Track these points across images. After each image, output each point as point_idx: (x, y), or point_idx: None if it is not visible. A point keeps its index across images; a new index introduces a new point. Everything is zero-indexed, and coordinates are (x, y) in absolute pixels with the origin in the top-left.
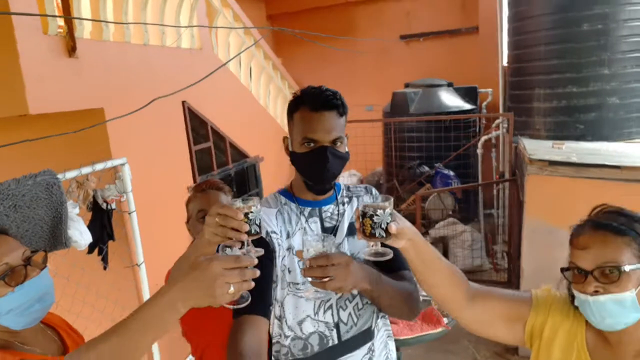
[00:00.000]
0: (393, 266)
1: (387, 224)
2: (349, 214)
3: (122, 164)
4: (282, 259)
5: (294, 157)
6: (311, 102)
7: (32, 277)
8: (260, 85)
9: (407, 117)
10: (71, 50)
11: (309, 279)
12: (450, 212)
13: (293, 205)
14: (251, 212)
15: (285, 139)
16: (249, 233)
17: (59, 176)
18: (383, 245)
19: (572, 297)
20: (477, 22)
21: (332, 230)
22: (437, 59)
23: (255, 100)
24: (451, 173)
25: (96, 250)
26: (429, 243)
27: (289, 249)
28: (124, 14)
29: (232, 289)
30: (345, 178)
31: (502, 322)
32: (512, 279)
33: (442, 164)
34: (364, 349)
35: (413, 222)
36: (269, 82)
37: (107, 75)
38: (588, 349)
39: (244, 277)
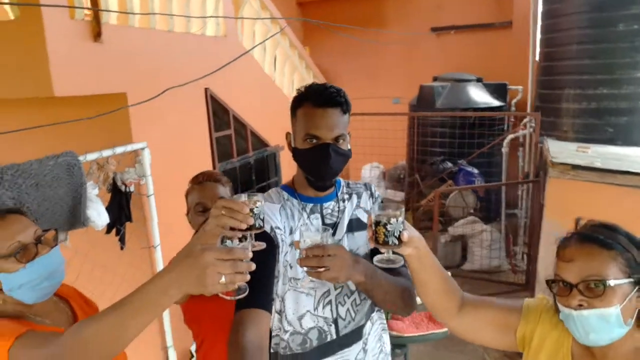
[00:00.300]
0: None
1: (400, 232)
2: (349, 210)
3: (142, 148)
4: (285, 255)
5: (296, 153)
6: (315, 99)
7: (42, 255)
8: (285, 75)
9: (432, 111)
10: (97, 35)
11: (305, 269)
12: (472, 211)
13: (295, 201)
14: (256, 207)
15: (288, 134)
16: (252, 227)
17: (80, 158)
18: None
19: (558, 309)
20: (511, 16)
21: (333, 227)
22: (468, 53)
23: (279, 89)
24: (475, 171)
25: (114, 231)
26: (432, 253)
27: (292, 244)
28: (150, 1)
29: (223, 280)
30: (367, 171)
31: (493, 330)
32: (530, 281)
33: (465, 160)
34: (360, 343)
35: (431, 219)
36: (293, 71)
37: (131, 61)
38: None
39: (236, 269)
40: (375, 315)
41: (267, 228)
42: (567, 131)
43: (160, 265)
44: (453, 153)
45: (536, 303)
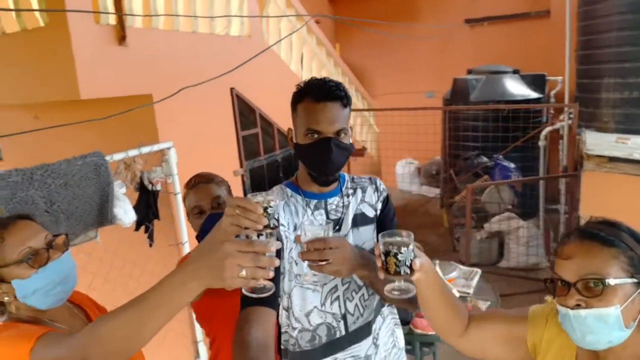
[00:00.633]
0: None
1: (411, 260)
2: (354, 205)
3: (168, 148)
4: (290, 252)
5: (298, 149)
6: (314, 93)
7: (54, 260)
8: (312, 72)
9: (467, 104)
10: (121, 38)
11: (307, 262)
12: (509, 207)
13: (299, 198)
14: (270, 206)
15: (289, 130)
16: (267, 227)
17: (107, 158)
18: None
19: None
20: (549, 4)
21: (338, 223)
22: (503, 44)
23: None
24: (511, 165)
25: (143, 228)
26: (440, 276)
27: (296, 241)
28: (174, 3)
29: (244, 273)
30: (401, 167)
31: (502, 345)
32: None
33: (500, 154)
34: (370, 339)
35: (464, 215)
36: (321, 68)
37: (156, 63)
38: None
39: (257, 262)
40: (386, 310)
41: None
42: (607, 122)
43: None
44: (489, 147)
45: (542, 308)
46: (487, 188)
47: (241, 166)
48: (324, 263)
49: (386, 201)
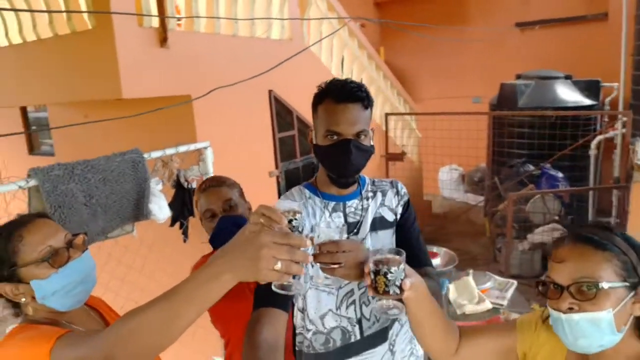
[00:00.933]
0: (416, 262)
1: (402, 280)
2: (373, 208)
3: (205, 147)
4: None
5: (317, 150)
6: (335, 94)
7: (74, 259)
8: (353, 75)
9: (513, 110)
10: (163, 41)
11: (319, 265)
12: (555, 217)
13: (317, 200)
14: (295, 218)
15: (309, 131)
16: None
17: (145, 155)
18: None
19: (548, 317)
20: (607, 7)
21: (356, 226)
22: (555, 48)
23: None
24: (559, 174)
25: (178, 224)
26: (430, 295)
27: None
28: (215, 6)
29: (278, 266)
30: (445, 174)
31: (493, 357)
32: None
33: (547, 163)
34: (386, 345)
35: (506, 225)
36: (361, 72)
37: (196, 64)
38: None
39: (293, 256)
40: (405, 317)
41: None
42: None
43: None
44: (536, 155)
45: (529, 316)
46: (532, 197)
47: (276, 167)
48: (336, 266)
49: (407, 205)
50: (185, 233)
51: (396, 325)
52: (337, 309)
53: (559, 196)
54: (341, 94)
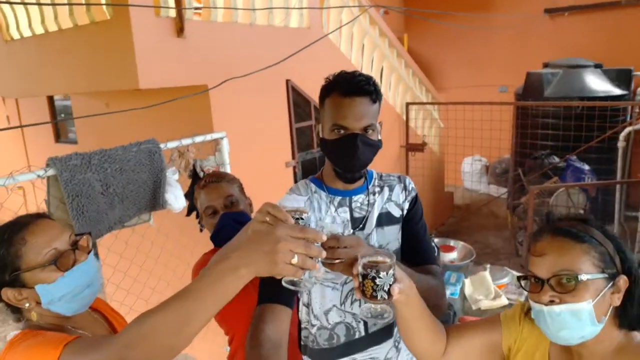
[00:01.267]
0: (420, 259)
1: (390, 285)
2: (380, 204)
3: (221, 138)
4: None
5: (324, 144)
6: (342, 88)
7: (80, 262)
8: (373, 64)
9: (541, 100)
10: (179, 30)
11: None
12: (580, 211)
13: (323, 194)
14: (301, 218)
15: (316, 124)
16: None
17: (162, 145)
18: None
19: (529, 310)
20: None
21: (362, 221)
22: (586, 36)
23: None
24: (585, 167)
25: (194, 214)
26: (421, 298)
27: None
28: None
29: (295, 260)
30: (468, 165)
31: (480, 355)
32: None
33: (571, 155)
34: (391, 341)
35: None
36: (382, 60)
37: (213, 54)
38: None
39: (309, 250)
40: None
41: None
42: None
43: None
44: (563, 147)
45: (512, 310)
46: (557, 190)
47: (293, 158)
48: (337, 261)
49: (414, 201)
50: (201, 223)
51: None
52: (341, 305)
53: (584, 190)
54: (349, 87)
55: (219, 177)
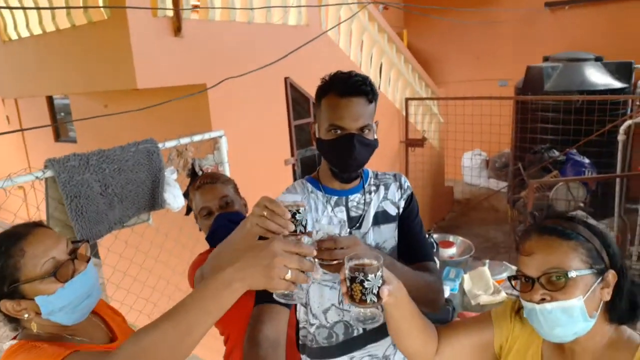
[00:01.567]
0: (416, 256)
1: (379, 287)
2: (376, 202)
3: (220, 136)
4: None
5: (320, 144)
6: (339, 88)
7: (80, 272)
8: (372, 60)
9: (541, 94)
10: (177, 30)
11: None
12: (580, 205)
13: (319, 194)
14: (299, 212)
15: (312, 124)
16: (293, 233)
17: (160, 145)
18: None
19: (520, 308)
20: None
21: (358, 220)
22: (587, 29)
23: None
24: (585, 160)
25: (193, 213)
26: (410, 299)
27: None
28: None
29: (289, 275)
30: (468, 159)
31: (473, 354)
32: None
33: (571, 148)
34: (388, 339)
35: (531, 212)
36: (381, 56)
37: (211, 53)
38: (542, 358)
39: (302, 265)
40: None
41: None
42: None
43: None
44: (562, 140)
45: (503, 308)
46: (557, 184)
47: (292, 155)
48: (334, 262)
49: (410, 199)
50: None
51: None
52: (339, 304)
53: (584, 183)
54: (345, 87)
55: (213, 179)
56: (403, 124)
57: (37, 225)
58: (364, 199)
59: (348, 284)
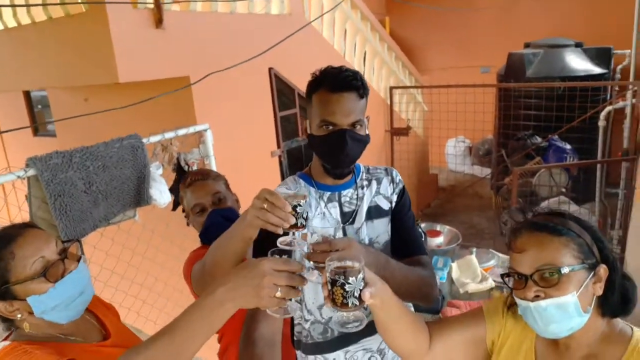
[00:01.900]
0: (409, 251)
1: (360, 290)
2: (368, 197)
3: (205, 130)
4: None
5: (312, 140)
6: (330, 83)
7: (70, 271)
8: (356, 49)
9: (522, 81)
10: (158, 22)
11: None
12: (562, 190)
13: (312, 190)
14: (300, 205)
15: (304, 120)
16: (295, 226)
17: (144, 140)
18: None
19: (512, 304)
20: None
21: (351, 215)
22: (569, 15)
23: (349, 64)
24: (567, 146)
25: (180, 207)
26: (397, 298)
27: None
28: None
29: (279, 293)
30: (452, 146)
31: (465, 349)
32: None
33: (553, 135)
34: None
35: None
36: (364, 44)
37: (193, 44)
38: (536, 354)
39: (292, 282)
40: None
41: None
42: None
43: None
44: (545, 127)
45: (494, 303)
46: (540, 171)
47: (278, 147)
48: None
49: (402, 193)
50: (188, 216)
51: None
52: None
53: (566, 169)
54: (336, 83)
55: (204, 175)
56: (388, 113)
57: (27, 226)
58: (357, 194)
59: (329, 287)
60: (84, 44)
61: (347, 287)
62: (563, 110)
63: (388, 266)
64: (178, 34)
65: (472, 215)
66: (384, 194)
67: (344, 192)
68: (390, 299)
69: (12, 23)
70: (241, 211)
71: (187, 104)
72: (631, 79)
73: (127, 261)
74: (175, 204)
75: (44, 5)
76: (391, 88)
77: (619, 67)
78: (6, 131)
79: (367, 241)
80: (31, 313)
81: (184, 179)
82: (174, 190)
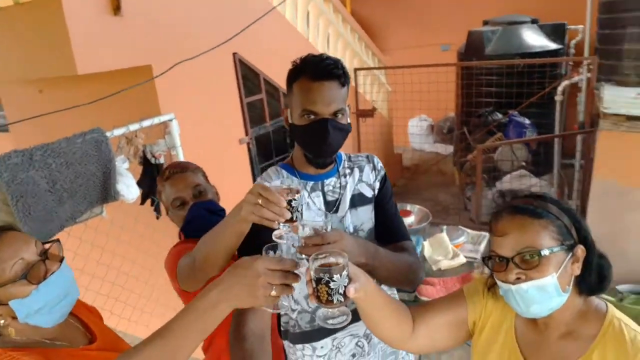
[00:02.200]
0: (394, 237)
1: (345, 286)
2: (351, 185)
3: (170, 120)
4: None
5: (294, 130)
6: (311, 72)
7: (53, 272)
8: (319, 31)
9: (482, 58)
10: (116, 8)
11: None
12: (523, 164)
13: (295, 180)
14: (295, 199)
15: (285, 109)
16: (289, 220)
17: (108, 134)
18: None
19: (492, 285)
20: None
21: (335, 204)
22: None
23: (313, 47)
24: (526, 121)
25: (149, 201)
26: (379, 288)
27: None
28: None
29: (274, 292)
30: (414, 126)
31: (448, 332)
32: None
33: (513, 110)
34: None
35: (476, 174)
36: (328, 26)
37: (154, 32)
38: (516, 332)
39: (286, 280)
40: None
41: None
42: (628, 75)
43: None
44: (505, 103)
45: (474, 285)
46: (499, 147)
47: (247, 134)
48: None
49: (384, 180)
50: (157, 209)
51: None
52: None
53: (526, 144)
54: (317, 71)
55: (183, 168)
56: (353, 95)
57: (4, 229)
58: (340, 183)
59: (314, 285)
60: (38, 34)
61: (331, 284)
62: (522, 86)
63: (377, 255)
64: (137, 20)
65: (437, 192)
66: (367, 182)
67: (326, 181)
68: (374, 292)
69: None
70: (221, 203)
71: (150, 94)
72: (586, 53)
73: (96, 260)
74: (144, 197)
75: None
76: (355, 70)
77: (573, 42)
78: None
79: (351, 229)
80: (15, 318)
81: (162, 172)
82: (142, 184)
